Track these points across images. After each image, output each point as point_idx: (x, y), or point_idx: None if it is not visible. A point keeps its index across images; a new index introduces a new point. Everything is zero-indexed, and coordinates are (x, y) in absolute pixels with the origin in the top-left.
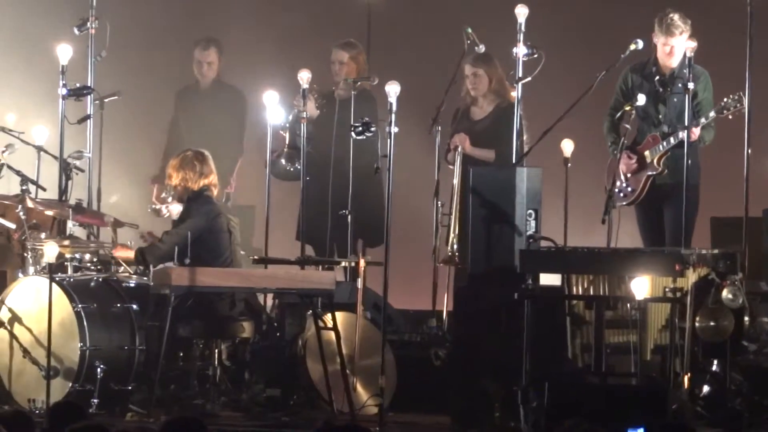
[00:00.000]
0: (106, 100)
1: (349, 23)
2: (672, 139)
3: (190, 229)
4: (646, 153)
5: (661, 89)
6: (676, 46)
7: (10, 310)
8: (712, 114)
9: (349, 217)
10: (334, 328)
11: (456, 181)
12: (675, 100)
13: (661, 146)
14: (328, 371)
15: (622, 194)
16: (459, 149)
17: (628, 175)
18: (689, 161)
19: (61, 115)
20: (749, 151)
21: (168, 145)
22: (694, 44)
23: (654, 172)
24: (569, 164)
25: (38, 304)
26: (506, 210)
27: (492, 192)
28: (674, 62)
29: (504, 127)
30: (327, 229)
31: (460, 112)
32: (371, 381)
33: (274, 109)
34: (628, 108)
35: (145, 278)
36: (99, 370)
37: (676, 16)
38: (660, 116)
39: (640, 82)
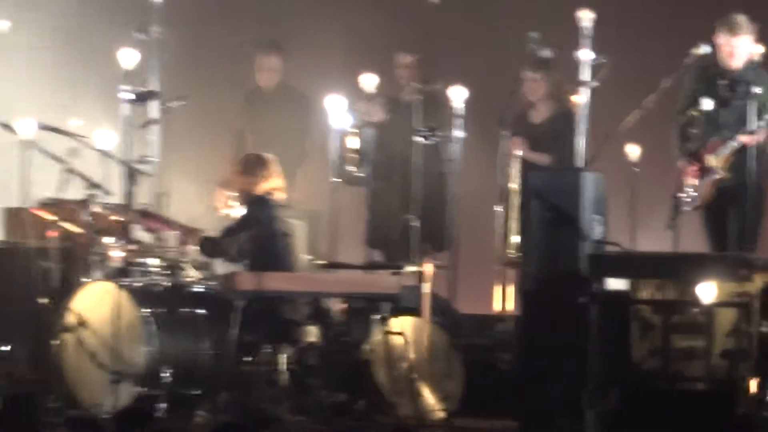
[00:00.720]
0: (171, 105)
1: (415, 28)
2: (735, 143)
3: (249, 232)
4: (710, 157)
5: (723, 93)
6: (738, 47)
7: (76, 315)
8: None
9: (416, 222)
10: (401, 332)
11: (514, 184)
12: (737, 103)
13: (724, 150)
14: (395, 376)
15: (688, 199)
16: (516, 152)
17: (693, 180)
18: (754, 163)
19: (125, 119)
20: None
21: (233, 150)
22: (760, 49)
23: (717, 176)
24: (636, 169)
25: (104, 308)
26: (571, 214)
27: (555, 195)
28: (735, 63)
29: (562, 132)
30: (394, 234)
31: (516, 114)
32: (438, 386)
33: (340, 114)
34: (695, 113)
35: (211, 283)
36: (166, 375)
37: (740, 17)
38: (721, 120)
39: (704, 86)
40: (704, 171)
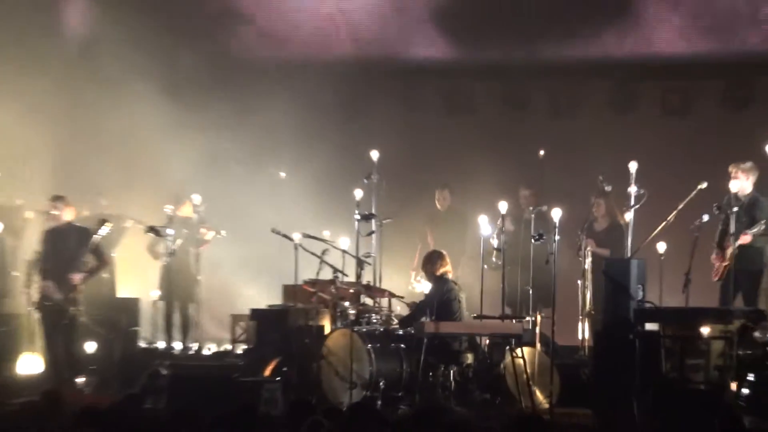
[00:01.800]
0: (384, 221)
1: (532, 172)
2: (736, 243)
3: (434, 298)
4: (728, 251)
5: (729, 210)
6: (735, 178)
7: (327, 347)
8: (760, 227)
9: (530, 290)
10: (522, 357)
11: (586, 266)
12: (740, 217)
13: (731, 248)
14: (519, 383)
15: (714, 274)
16: (588, 248)
17: (717, 263)
18: (752, 254)
19: (356, 230)
20: None
21: (421, 247)
22: (753, 179)
23: (727, 263)
24: (662, 258)
25: (344, 344)
26: (623, 284)
27: (614, 273)
28: (733, 188)
29: (615, 236)
30: (518, 297)
31: (587, 225)
32: (545, 388)
33: (485, 226)
34: (704, 220)
35: (409, 329)
36: (381, 384)
37: (739, 164)
38: (732, 229)
39: (725, 204)
40: (722, 259)
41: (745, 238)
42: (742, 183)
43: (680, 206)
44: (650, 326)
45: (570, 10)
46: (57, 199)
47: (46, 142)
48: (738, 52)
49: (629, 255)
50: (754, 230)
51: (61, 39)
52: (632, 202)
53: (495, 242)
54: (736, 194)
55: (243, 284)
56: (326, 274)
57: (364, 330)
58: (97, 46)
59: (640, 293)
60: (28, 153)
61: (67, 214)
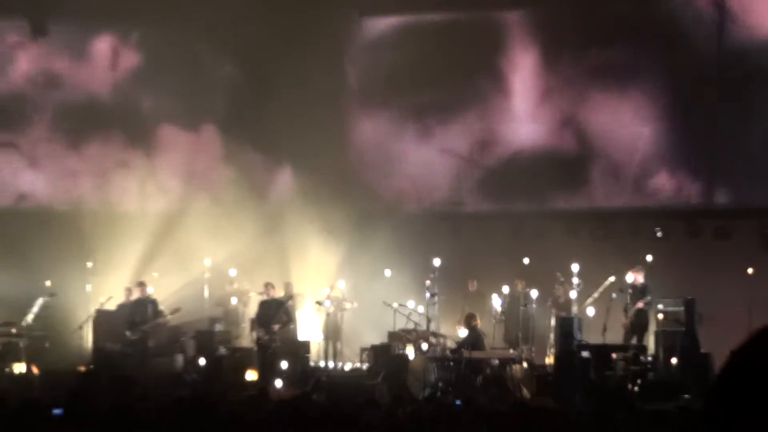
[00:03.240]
0: (442, 297)
1: (520, 269)
2: (634, 308)
3: (469, 339)
4: (629, 313)
5: (629, 290)
6: (632, 275)
7: (411, 365)
8: (643, 302)
9: (519, 334)
10: (516, 369)
11: (552, 321)
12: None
13: (631, 312)
14: (514, 384)
15: (622, 325)
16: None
17: (624, 319)
18: (640, 314)
19: (426, 301)
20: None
21: (462, 311)
22: (641, 274)
23: (627, 321)
24: (591, 317)
25: (420, 362)
26: (571, 330)
27: (566, 325)
28: (629, 279)
29: (566, 305)
30: (513, 337)
31: (553, 298)
32: (528, 387)
33: (496, 300)
34: (613, 297)
35: (456, 355)
36: (440, 384)
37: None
38: (628, 302)
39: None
40: (627, 319)
41: (639, 305)
42: (637, 276)
43: (600, 289)
44: (585, 353)
45: None
46: (267, 285)
47: (259, 252)
48: None
49: (573, 314)
50: (640, 303)
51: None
52: (575, 287)
53: (499, 309)
54: (633, 283)
55: (366, 330)
56: (408, 324)
57: (431, 355)
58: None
59: (579, 335)
60: (255, 259)
61: (273, 293)
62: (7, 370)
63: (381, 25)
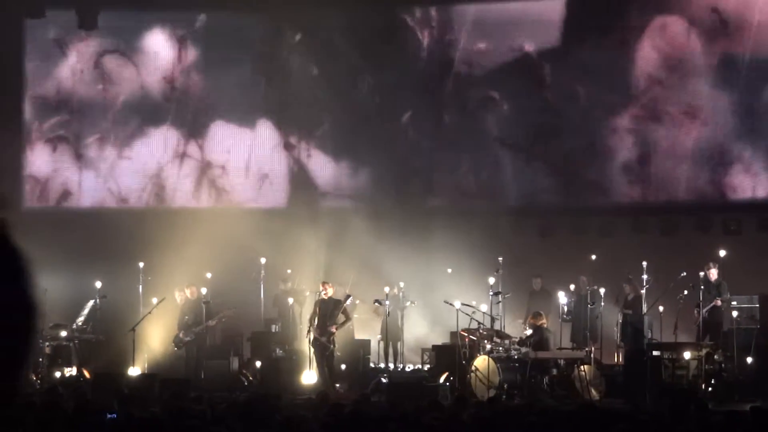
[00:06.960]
0: (507, 295)
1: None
2: (710, 306)
3: (535, 337)
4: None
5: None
6: (709, 271)
7: (475, 365)
8: (721, 299)
9: (588, 332)
10: (583, 370)
11: (620, 319)
12: (714, 292)
13: (705, 309)
14: (582, 384)
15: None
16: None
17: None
18: (714, 311)
19: (490, 300)
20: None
21: (527, 309)
22: (715, 270)
23: (700, 318)
24: (662, 314)
25: (485, 363)
26: (641, 329)
27: (636, 322)
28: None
29: (636, 302)
30: (579, 336)
31: (622, 295)
32: (597, 387)
33: (562, 298)
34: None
35: (521, 356)
36: (505, 386)
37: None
38: (701, 299)
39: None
40: (700, 317)
41: (717, 303)
42: (710, 272)
43: (665, 289)
44: (655, 352)
45: None
46: (324, 283)
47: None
48: None
49: (644, 312)
50: (724, 298)
51: None
52: (644, 284)
53: (566, 307)
54: (706, 279)
55: (427, 329)
56: (473, 325)
57: (495, 355)
58: None
59: (649, 334)
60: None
61: (329, 292)
62: (58, 373)
63: None
